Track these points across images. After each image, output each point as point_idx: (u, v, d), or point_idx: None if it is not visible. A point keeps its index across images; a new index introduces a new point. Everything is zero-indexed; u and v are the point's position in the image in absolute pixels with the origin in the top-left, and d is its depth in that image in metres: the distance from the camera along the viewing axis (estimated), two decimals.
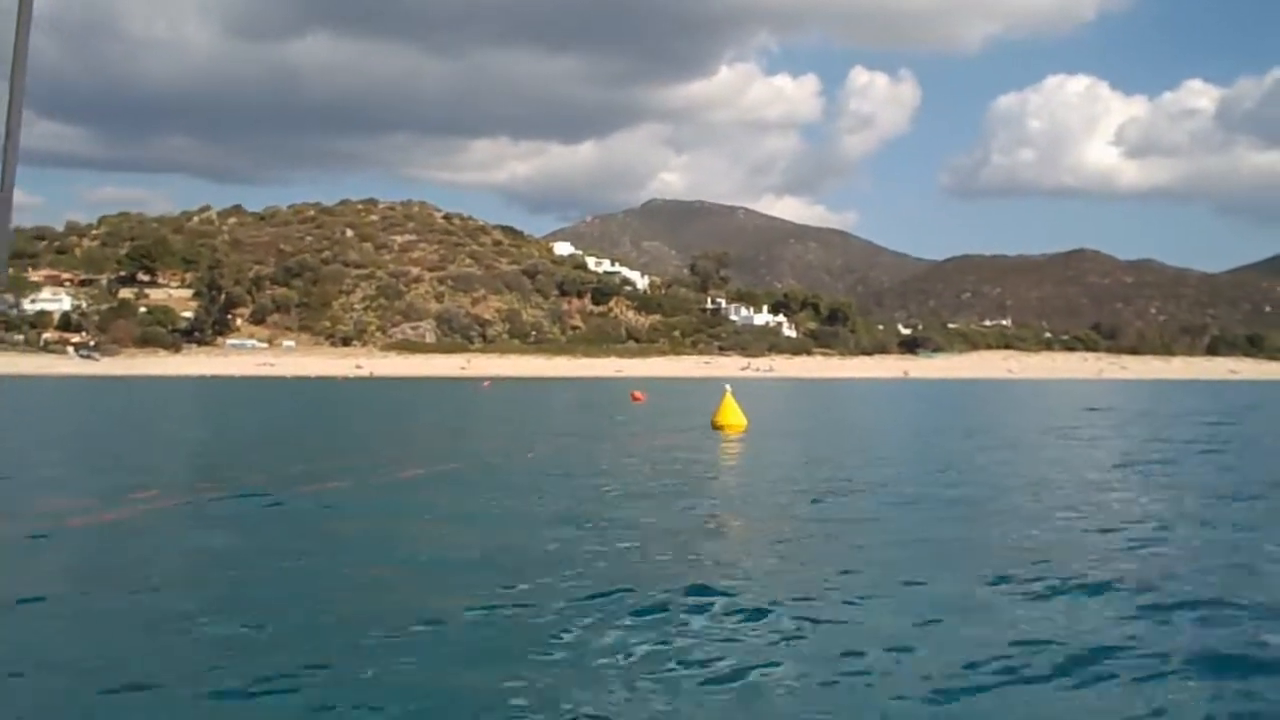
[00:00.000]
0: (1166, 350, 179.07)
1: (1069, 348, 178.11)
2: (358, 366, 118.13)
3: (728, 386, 25.97)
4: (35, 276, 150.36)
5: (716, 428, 24.20)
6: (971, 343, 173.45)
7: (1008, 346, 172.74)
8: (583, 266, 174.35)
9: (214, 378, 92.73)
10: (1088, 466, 16.28)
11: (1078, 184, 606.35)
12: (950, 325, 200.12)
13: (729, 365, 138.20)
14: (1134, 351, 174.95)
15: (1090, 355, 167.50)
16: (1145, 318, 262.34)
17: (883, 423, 34.06)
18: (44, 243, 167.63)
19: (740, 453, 19.45)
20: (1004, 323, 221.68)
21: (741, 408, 25.06)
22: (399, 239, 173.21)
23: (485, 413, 36.97)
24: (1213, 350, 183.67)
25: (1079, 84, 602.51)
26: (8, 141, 1.73)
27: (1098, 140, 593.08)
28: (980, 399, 53.27)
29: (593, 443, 22.29)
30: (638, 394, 42.74)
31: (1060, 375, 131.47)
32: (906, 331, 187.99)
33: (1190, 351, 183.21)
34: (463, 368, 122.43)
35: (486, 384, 61.65)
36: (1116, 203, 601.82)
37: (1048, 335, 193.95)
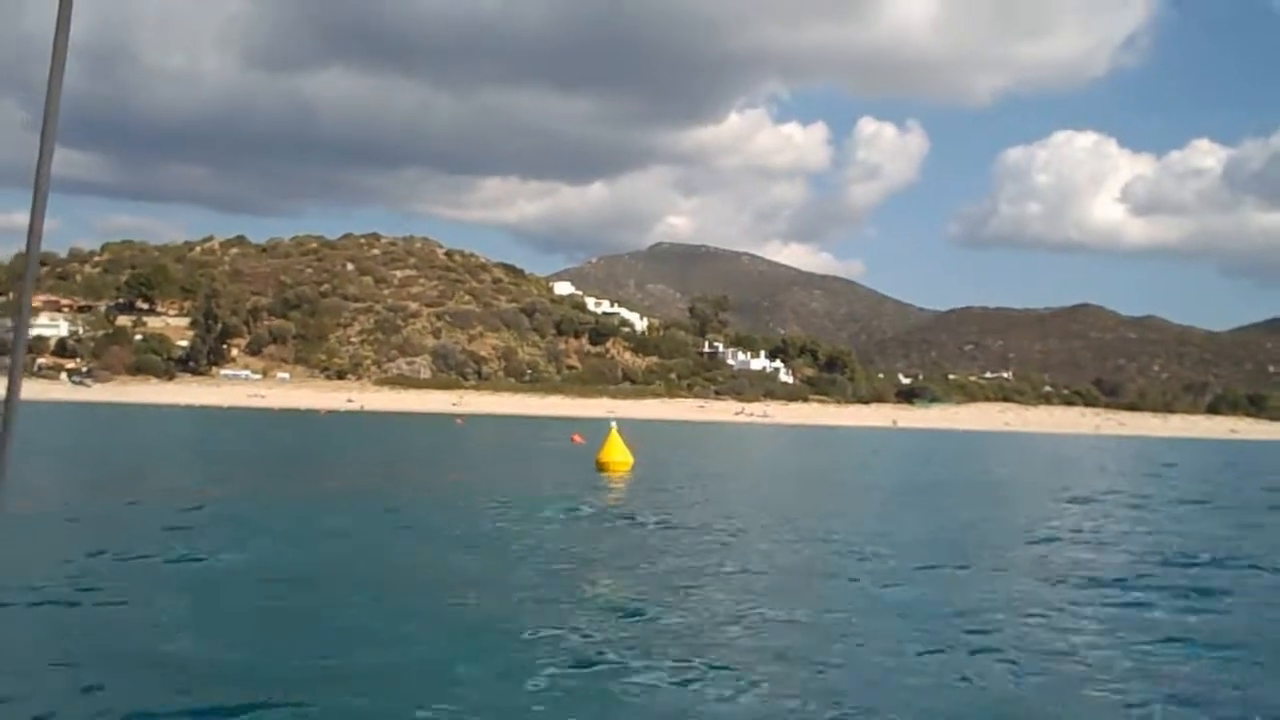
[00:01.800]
0: (1167, 408, 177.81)
1: (1068, 402, 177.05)
2: (349, 400, 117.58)
3: (613, 424, 25.37)
4: (34, 302, 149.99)
5: (600, 467, 23.56)
6: (969, 394, 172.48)
7: (1006, 399, 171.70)
8: (581, 307, 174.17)
9: (201, 407, 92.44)
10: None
11: (1083, 239, 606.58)
12: (951, 376, 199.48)
13: (724, 409, 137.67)
14: (1133, 408, 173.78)
15: (1089, 411, 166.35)
16: (1148, 375, 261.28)
17: (789, 468, 34.12)
18: (45, 268, 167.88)
19: (582, 495, 19.29)
20: (1005, 375, 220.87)
21: (630, 447, 24.73)
22: (399, 274, 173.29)
23: (398, 449, 37.71)
24: (1214, 409, 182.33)
25: (1087, 140, 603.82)
26: (36, 197, 1.76)
27: (1104, 196, 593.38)
28: (936, 450, 53.18)
29: (448, 478, 22.64)
30: (577, 436, 42.84)
31: (1057, 430, 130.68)
32: (906, 381, 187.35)
33: (1191, 410, 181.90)
34: (455, 404, 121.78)
35: (460, 421, 61.58)
36: (1121, 259, 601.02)
37: (1048, 389, 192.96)
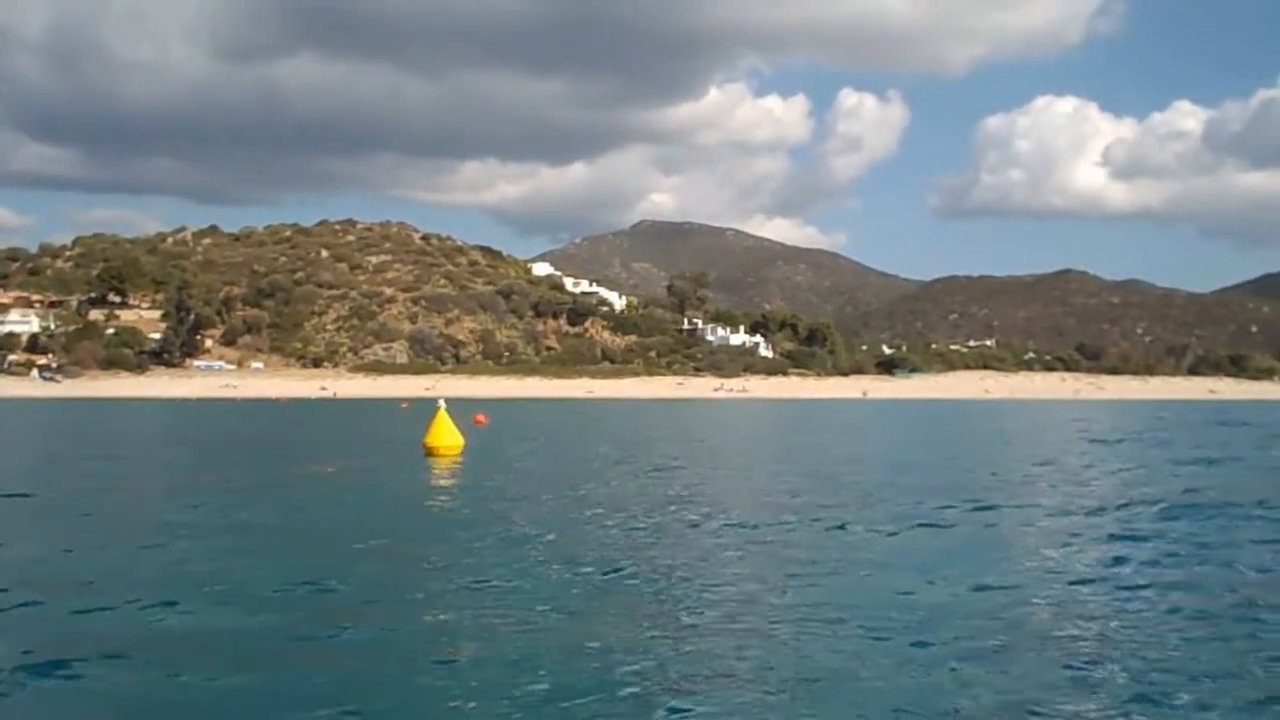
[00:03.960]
0: (1148, 371, 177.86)
1: (1049, 368, 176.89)
2: (322, 388, 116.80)
3: (441, 403, 23.66)
4: (5, 298, 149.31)
5: (426, 451, 22.18)
6: (950, 364, 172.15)
7: (986, 367, 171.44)
8: (559, 287, 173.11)
9: (169, 400, 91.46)
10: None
11: (1065, 205, 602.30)
12: (934, 346, 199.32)
13: (703, 386, 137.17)
14: (1114, 372, 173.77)
15: (1069, 375, 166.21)
16: (1131, 338, 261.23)
17: (646, 437, 33.38)
18: (16, 264, 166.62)
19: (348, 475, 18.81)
20: (988, 343, 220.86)
21: (457, 427, 23.28)
22: (374, 259, 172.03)
23: (276, 435, 37.58)
24: (1195, 371, 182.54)
25: (1067, 105, 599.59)
26: None
27: (1085, 162, 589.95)
28: (851, 420, 52.75)
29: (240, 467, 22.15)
30: (480, 417, 42.08)
31: (1037, 396, 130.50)
32: (889, 352, 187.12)
33: (1173, 372, 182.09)
34: (428, 389, 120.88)
35: (404, 405, 60.92)
36: (1104, 224, 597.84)
37: (1029, 356, 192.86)
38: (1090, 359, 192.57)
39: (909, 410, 71.67)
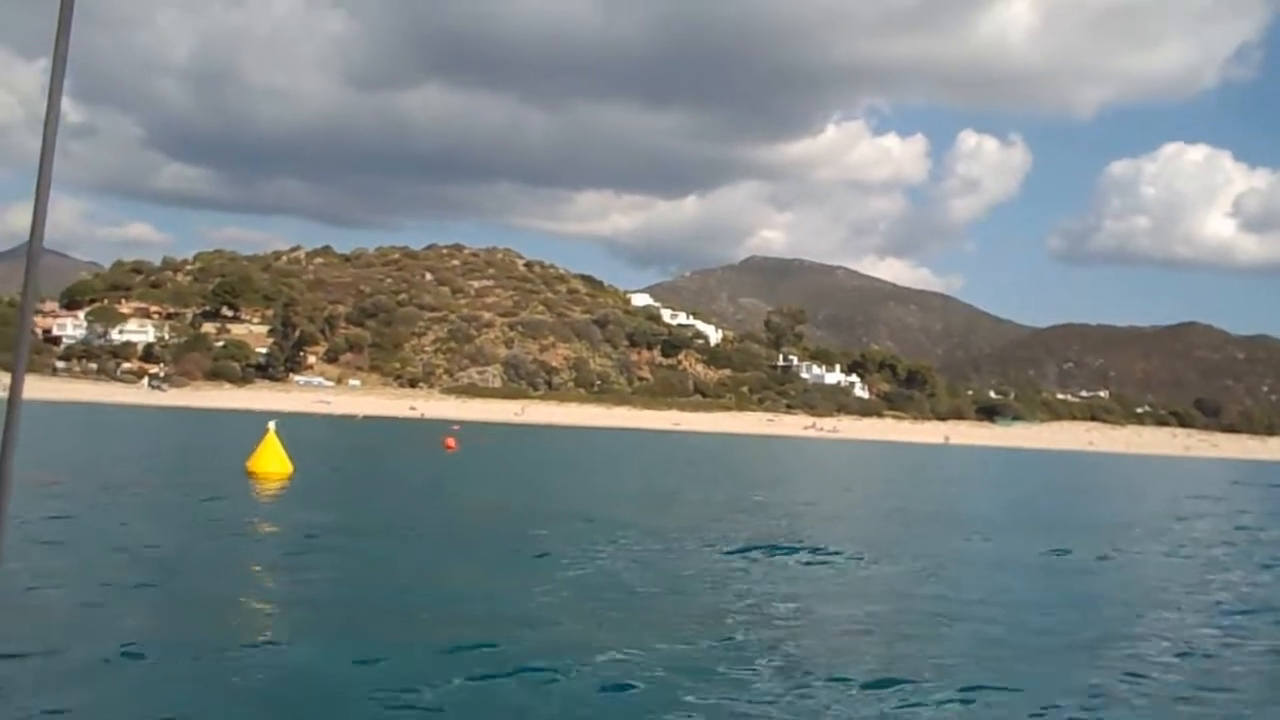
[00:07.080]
0: (1269, 430, 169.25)
1: (1161, 422, 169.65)
2: (411, 408, 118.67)
3: (271, 425, 22.49)
4: (126, 309, 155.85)
5: (250, 475, 21.26)
6: (1055, 413, 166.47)
7: (1093, 418, 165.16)
8: (656, 318, 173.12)
9: (262, 413, 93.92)
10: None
11: (1192, 255, 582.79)
12: (1042, 394, 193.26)
13: (793, 424, 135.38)
14: (1233, 430, 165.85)
15: (1180, 431, 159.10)
16: (1256, 395, 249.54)
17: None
18: (140, 276, 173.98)
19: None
20: (1101, 394, 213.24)
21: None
22: (476, 284, 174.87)
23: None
24: None
25: (1198, 153, 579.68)
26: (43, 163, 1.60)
27: (1215, 212, 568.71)
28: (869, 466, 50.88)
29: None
30: (451, 440, 41.94)
31: (1144, 451, 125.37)
32: (996, 398, 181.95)
33: None
34: (517, 414, 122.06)
35: (456, 427, 61.49)
36: (1233, 276, 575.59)
37: (1143, 409, 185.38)
38: (1209, 415, 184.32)
39: (979, 459, 69.23)
